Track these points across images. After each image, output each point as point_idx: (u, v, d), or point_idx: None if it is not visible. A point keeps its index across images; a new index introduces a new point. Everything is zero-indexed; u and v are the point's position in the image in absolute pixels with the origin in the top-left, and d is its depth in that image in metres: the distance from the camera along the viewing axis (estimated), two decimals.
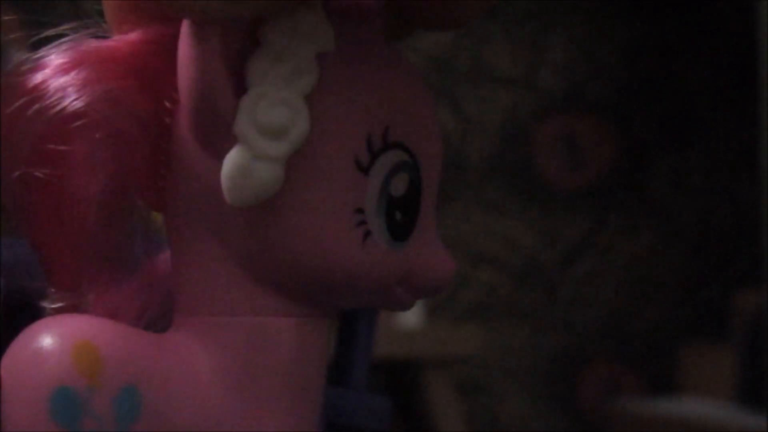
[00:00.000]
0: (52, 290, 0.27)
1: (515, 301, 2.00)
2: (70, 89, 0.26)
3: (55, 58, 0.27)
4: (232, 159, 0.25)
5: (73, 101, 0.26)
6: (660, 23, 2.10)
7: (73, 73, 0.26)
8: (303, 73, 0.25)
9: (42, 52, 0.27)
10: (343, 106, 0.25)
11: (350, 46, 0.26)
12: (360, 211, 0.26)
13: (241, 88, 0.25)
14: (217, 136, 0.25)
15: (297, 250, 0.25)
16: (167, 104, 0.26)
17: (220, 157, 0.25)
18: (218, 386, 0.26)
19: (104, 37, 0.27)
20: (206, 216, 0.26)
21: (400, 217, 0.26)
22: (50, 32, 0.27)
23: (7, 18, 0.30)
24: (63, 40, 0.27)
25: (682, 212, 2.09)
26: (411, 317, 1.65)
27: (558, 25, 2.06)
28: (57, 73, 0.26)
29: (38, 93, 0.26)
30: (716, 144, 2.11)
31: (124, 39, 0.27)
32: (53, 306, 0.26)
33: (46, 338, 0.25)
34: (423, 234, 0.27)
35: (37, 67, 0.26)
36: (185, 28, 0.25)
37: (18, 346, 0.25)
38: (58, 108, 0.26)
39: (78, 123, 0.26)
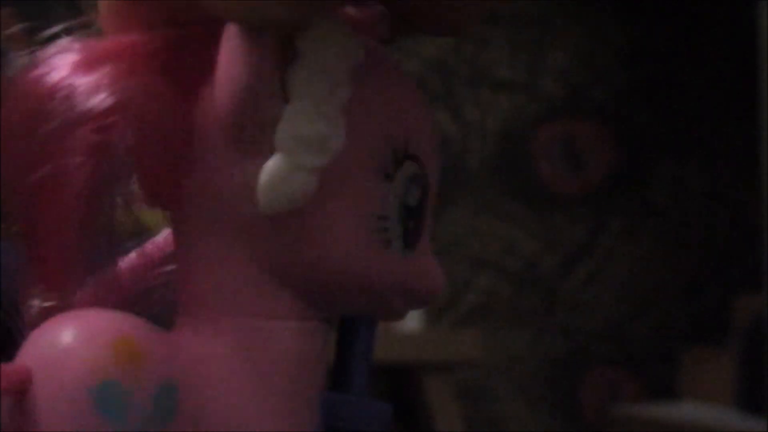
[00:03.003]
0: (41, 289, 0.26)
1: (515, 306, 2.00)
2: (99, 86, 0.26)
3: (67, 56, 0.26)
4: (271, 168, 0.25)
5: (105, 98, 0.25)
6: (660, 28, 2.10)
7: (98, 70, 0.26)
8: (341, 87, 0.25)
9: (47, 51, 0.26)
10: (371, 116, 0.26)
11: (368, 59, 0.26)
12: (383, 218, 0.26)
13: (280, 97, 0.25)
14: (254, 142, 0.25)
15: (322, 253, 0.26)
16: (191, 103, 0.27)
17: (253, 163, 0.25)
18: (224, 386, 0.26)
19: (112, 35, 0.27)
20: (227, 217, 0.26)
21: (412, 226, 0.27)
22: (50, 31, 0.27)
23: (7, 18, 0.30)
24: (66, 38, 0.27)
25: (682, 217, 2.09)
26: (411, 322, 1.65)
27: (558, 29, 2.06)
28: (77, 70, 0.26)
29: (60, 92, 0.26)
30: (716, 148, 2.11)
31: (141, 36, 0.27)
32: (43, 305, 0.26)
33: (82, 334, 0.24)
34: (424, 245, 0.28)
35: (48, 67, 0.26)
36: (233, 32, 0.25)
37: (46, 342, 0.25)
38: (89, 106, 0.25)
39: (110, 119, 0.26)
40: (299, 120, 0.25)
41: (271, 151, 0.25)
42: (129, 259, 0.29)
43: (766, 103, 1.57)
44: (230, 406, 0.26)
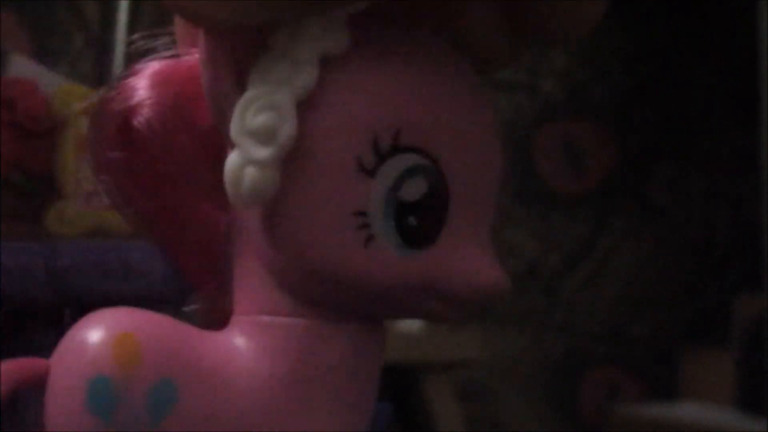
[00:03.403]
0: (197, 293, 0.28)
1: (516, 306, 2.00)
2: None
3: (149, 68, 0.28)
4: (228, 163, 0.25)
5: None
6: (660, 28, 2.10)
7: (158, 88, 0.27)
8: (299, 74, 0.25)
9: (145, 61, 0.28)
10: (347, 108, 0.25)
11: (370, 47, 0.26)
12: (361, 214, 0.25)
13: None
14: (228, 140, 0.26)
15: (299, 251, 0.26)
16: None
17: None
18: (257, 386, 0.26)
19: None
20: (243, 220, 0.27)
21: (416, 222, 0.25)
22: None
23: (7, 20, 0.31)
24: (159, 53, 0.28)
25: (682, 217, 2.09)
26: (411, 322, 1.65)
27: None
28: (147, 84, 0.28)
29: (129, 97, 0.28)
30: (717, 149, 2.11)
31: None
32: (199, 308, 0.28)
33: (92, 330, 0.25)
34: (457, 241, 0.26)
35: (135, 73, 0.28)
36: (200, 37, 0.25)
37: (68, 337, 0.26)
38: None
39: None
40: (247, 112, 0.25)
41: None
42: None
43: (766, 103, 1.57)
44: (261, 407, 0.26)
